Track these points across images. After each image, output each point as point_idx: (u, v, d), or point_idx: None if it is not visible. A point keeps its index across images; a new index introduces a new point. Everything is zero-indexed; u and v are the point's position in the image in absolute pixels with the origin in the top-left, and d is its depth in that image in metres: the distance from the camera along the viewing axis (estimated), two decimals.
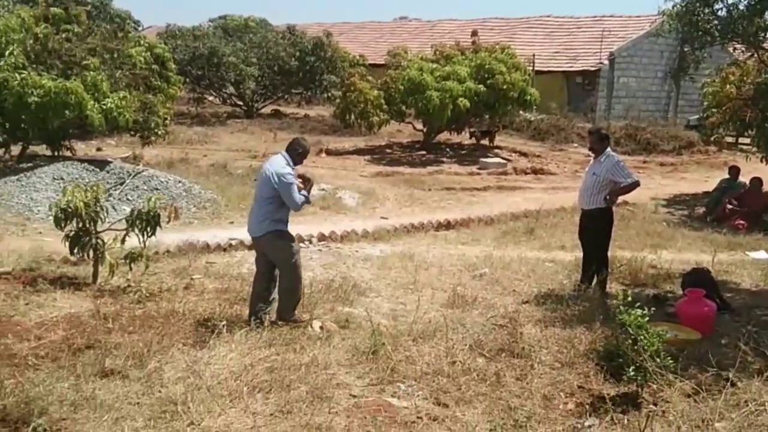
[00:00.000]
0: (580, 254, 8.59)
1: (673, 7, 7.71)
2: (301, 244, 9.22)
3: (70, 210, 7.06)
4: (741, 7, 7.54)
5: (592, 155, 8.39)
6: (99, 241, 7.44)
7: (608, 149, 8.16)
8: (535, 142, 22.46)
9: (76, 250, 7.44)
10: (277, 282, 6.83)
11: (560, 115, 24.39)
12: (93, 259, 7.56)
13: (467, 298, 7.66)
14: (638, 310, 5.49)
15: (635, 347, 5.38)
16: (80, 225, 7.28)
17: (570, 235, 10.46)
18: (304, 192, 6.71)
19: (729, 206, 13.37)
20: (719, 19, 7.57)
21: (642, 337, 5.36)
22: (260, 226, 6.71)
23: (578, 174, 17.47)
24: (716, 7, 7.58)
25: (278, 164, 6.66)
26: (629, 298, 5.65)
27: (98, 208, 7.29)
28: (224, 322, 6.35)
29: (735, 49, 10.56)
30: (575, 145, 22.17)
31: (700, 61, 7.86)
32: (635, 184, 8.12)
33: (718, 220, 13.31)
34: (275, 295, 6.83)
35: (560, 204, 13.47)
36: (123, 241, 7.44)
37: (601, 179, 7.93)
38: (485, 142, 21.13)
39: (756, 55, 9.05)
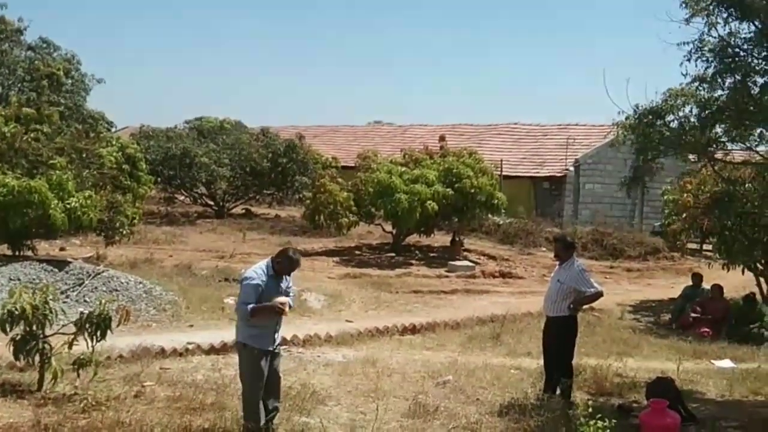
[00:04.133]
0: None
1: (626, 119, 7.94)
2: None
3: (16, 312, 6.81)
4: (692, 119, 7.78)
5: (558, 262, 8.41)
6: (46, 345, 7.15)
7: (573, 256, 8.18)
8: (504, 246, 22.59)
9: (21, 355, 7.13)
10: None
11: (528, 219, 24.69)
12: (39, 364, 7.24)
13: (429, 408, 7.44)
14: (599, 422, 5.37)
15: None
16: (27, 328, 7.01)
17: (536, 341, 10.29)
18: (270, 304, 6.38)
19: (693, 314, 13.41)
20: (671, 131, 7.79)
21: None
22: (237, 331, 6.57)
23: (546, 278, 17.42)
24: (668, 119, 7.81)
25: (253, 267, 6.58)
26: (590, 410, 5.53)
27: (47, 311, 7.03)
28: None
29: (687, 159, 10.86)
30: (543, 249, 22.34)
31: (654, 171, 8.05)
32: (598, 294, 8.11)
33: (683, 327, 13.33)
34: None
35: (527, 308, 13.36)
36: (70, 346, 7.16)
37: (565, 287, 7.92)
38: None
39: (710, 165, 9.29)
